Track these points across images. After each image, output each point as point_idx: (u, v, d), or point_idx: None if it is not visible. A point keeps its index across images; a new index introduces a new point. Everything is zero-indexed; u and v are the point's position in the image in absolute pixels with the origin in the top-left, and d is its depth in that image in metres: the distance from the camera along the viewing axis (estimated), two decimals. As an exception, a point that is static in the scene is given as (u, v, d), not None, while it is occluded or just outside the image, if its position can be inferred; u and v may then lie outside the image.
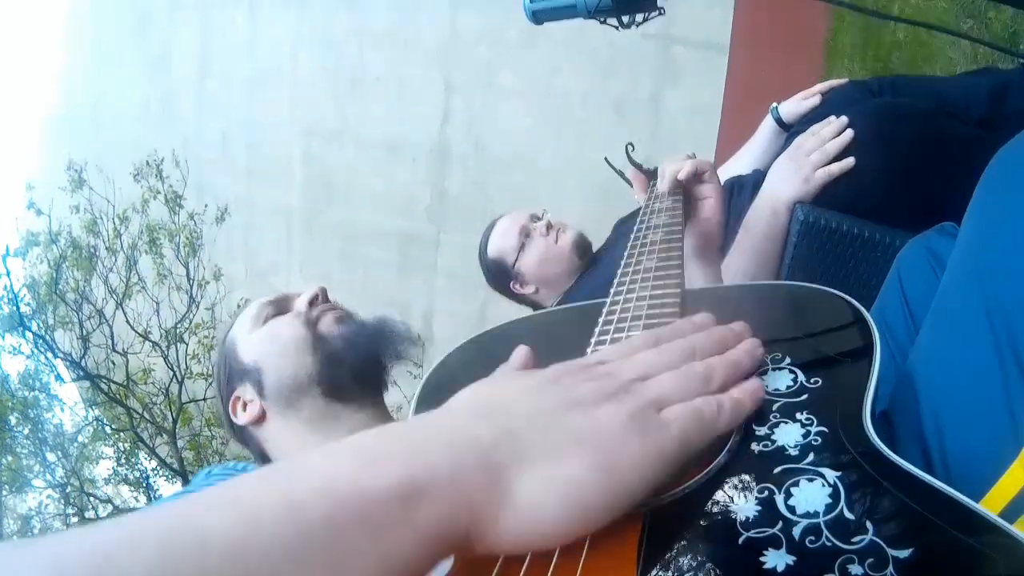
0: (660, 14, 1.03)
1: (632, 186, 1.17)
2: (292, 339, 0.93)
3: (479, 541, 0.34)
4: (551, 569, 0.36)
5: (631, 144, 1.19)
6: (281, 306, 1.00)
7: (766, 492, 0.38)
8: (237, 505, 0.29)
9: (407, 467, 0.32)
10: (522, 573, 0.36)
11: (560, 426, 0.38)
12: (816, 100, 1.37)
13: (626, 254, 0.78)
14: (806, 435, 0.42)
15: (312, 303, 0.97)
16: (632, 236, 0.83)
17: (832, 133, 1.08)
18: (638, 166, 1.16)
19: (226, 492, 0.30)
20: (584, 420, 0.38)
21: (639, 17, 1.02)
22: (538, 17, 1.04)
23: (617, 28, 1.01)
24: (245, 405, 0.94)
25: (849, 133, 1.07)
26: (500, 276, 1.64)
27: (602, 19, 1.00)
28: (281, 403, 0.92)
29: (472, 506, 0.33)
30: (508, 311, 1.75)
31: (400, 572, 0.30)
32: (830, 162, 1.07)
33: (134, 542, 0.26)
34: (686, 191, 0.94)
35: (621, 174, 1.23)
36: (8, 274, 5.28)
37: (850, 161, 1.06)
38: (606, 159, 1.28)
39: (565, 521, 0.35)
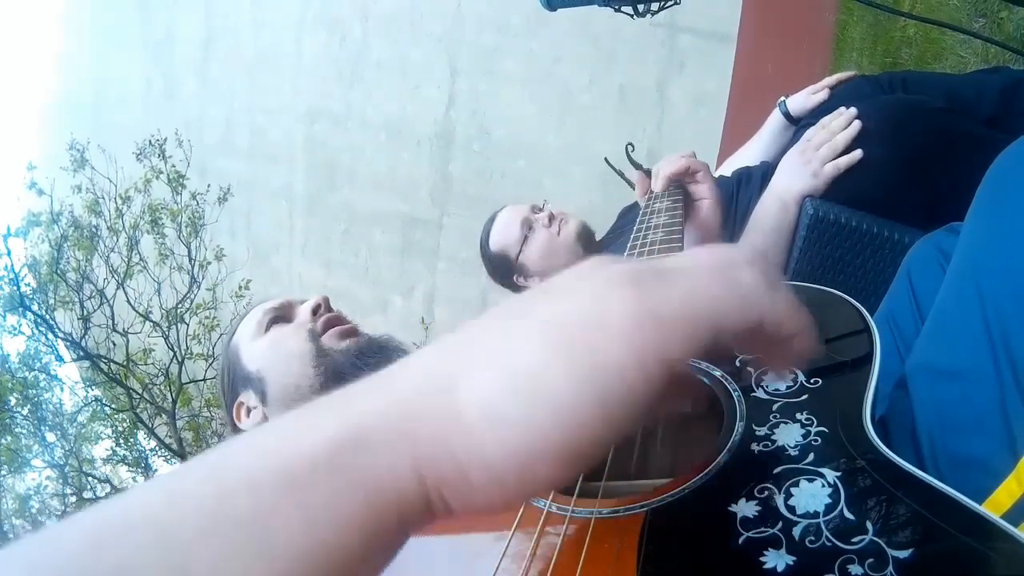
0: (676, 3, 1.00)
1: (633, 187, 1.16)
2: (296, 351, 0.93)
3: (448, 489, 0.28)
4: (551, 567, 0.36)
5: (631, 144, 1.18)
6: (284, 312, 1.00)
7: (766, 492, 0.38)
8: (166, 480, 0.28)
9: (340, 417, 0.28)
10: (522, 571, 0.36)
11: (511, 318, 0.30)
12: (824, 95, 1.36)
13: (626, 254, 0.78)
14: (806, 435, 0.42)
15: (315, 312, 0.98)
16: (632, 236, 0.83)
17: (841, 126, 1.07)
18: (638, 166, 1.15)
19: (165, 474, 0.29)
20: (545, 299, 0.31)
21: (654, 6, 0.99)
22: (553, 4, 1.02)
23: (632, 16, 0.99)
24: (248, 411, 0.96)
25: (857, 125, 1.06)
26: (503, 270, 1.62)
27: (616, 7, 0.98)
28: (283, 411, 0.93)
29: (417, 443, 0.27)
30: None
31: (343, 539, 0.26)
32: (840, 155, 1.06)
33: (74, 521, 0.26)
34: (685, 192, 0.94)
35: (622, 175, 1.22)
36: (9, 254, 5.27)
37: (857, 153, 1.05)
38: (606, 159, 1.27)
39: (528, 423, 0.27)
